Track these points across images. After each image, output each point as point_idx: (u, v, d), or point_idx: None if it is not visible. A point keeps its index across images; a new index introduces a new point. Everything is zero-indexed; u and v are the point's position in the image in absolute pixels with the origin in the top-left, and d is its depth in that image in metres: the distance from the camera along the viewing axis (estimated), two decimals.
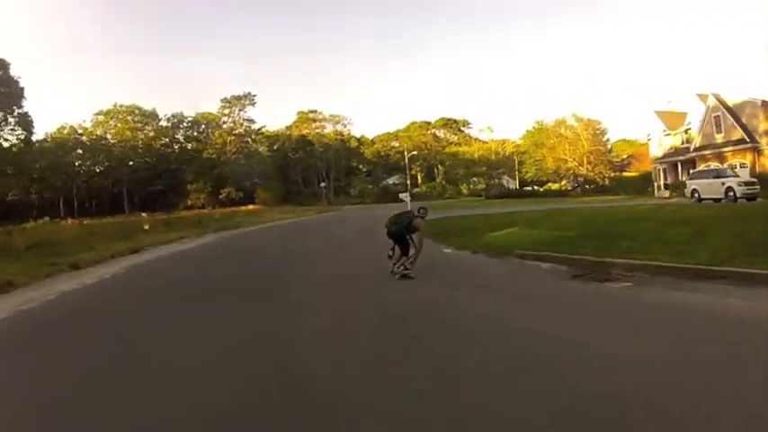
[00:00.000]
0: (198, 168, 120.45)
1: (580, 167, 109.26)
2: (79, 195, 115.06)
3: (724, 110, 60.66)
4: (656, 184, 76.63)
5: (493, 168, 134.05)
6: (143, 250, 26.63)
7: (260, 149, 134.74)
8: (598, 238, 17.17)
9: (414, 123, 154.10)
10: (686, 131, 70.71)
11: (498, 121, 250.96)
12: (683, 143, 71.49)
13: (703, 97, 65.69)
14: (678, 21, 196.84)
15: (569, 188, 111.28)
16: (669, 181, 72.83)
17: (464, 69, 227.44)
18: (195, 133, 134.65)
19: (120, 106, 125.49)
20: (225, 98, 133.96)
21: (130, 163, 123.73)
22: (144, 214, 51.72)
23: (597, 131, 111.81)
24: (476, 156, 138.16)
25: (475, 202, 79.36)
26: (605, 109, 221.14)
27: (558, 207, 46.40)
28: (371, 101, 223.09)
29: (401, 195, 55.21)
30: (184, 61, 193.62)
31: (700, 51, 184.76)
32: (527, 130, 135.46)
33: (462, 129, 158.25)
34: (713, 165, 58.33)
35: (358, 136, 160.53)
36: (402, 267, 13.68)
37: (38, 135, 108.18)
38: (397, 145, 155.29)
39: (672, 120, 75.10)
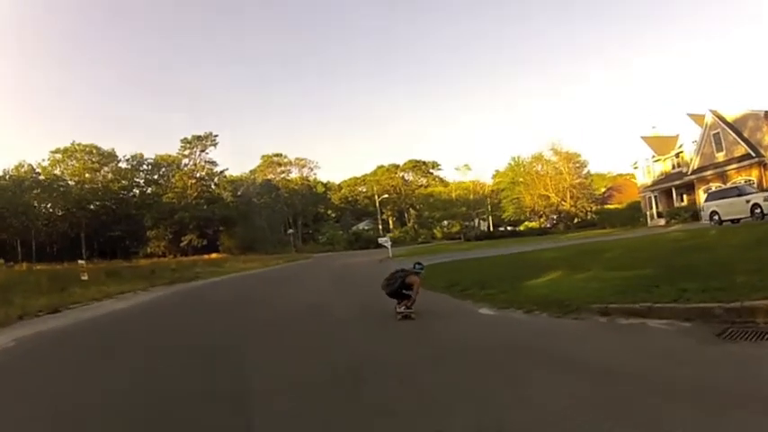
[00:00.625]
0: (157, 214, 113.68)
1: (563, 202, 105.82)
2: (38, 238, 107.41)
3: (724, 126, 57.48)
4: (647, 212, 73.63)
5: (472, 208, 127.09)
6: (67, 308, 21.26)
7: (223, 194, 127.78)
8: (684, 276, 12.30)
9: (381, 167, 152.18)
10: (678, 155, 68.85)
11: (472, 162, 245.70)
12: (674, 167, 69.39)
13: (696, 117, 63.47)
14: (648, 48, 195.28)
15: (548, 225, 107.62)
16: (661, 209, 70.19)
17: (432, 113, 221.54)
18: (155, 176, 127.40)
19: (78, 145, 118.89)
20: (185, 138, 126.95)
21: (91, 206, 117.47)
22: (82, 262, 43.25)
23: (577, 164, 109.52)
24: (453, 196, 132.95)
25: (456, 246, 72.79)
26: (582, 142, 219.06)
27: (566, 244, 42.57)
28: (338, 147, 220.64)
29: (381, 240, 55.91)
30: (145, 101, 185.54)
31: (674, 75, 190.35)
32: (498, 170, 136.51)
33: (432, 171, 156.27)
34: (714, 186, 55.29)
35: (324, 181, 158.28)
36: (403, 308, 13.11)
37: None
38: (364, 190, 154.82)
39: (660, 144, 73.22)
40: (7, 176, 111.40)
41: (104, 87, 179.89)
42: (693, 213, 57.74)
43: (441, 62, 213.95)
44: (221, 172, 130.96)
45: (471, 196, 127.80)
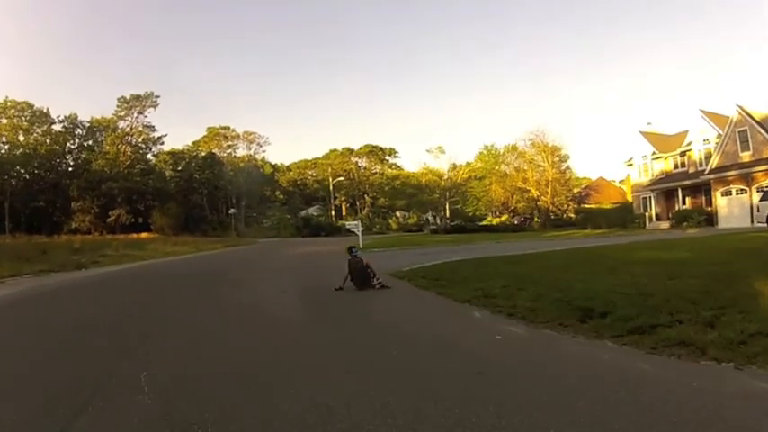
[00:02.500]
0: (85, 183, 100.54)
1: (543, 198, 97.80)
2: None
3: (753, 123, 52.90)
4: (646, 214, 68.47)
5: (445, 197, 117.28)
6: None
7: (162, 166, 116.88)
8: None
9: (334, 151, 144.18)
10: (684, 153, 65.69)
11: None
12: (678, 167, 66.70)
13: (711, 115, 60.49)
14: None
15: (517, 222, 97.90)
16: (659, 210, 67.76)
17: (395, 99, 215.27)
18: (90, 142, 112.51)
19: (11, 101, 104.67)
20: (122, 97, 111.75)
21: (20, 172, 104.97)
22: None
23: (558, 158, 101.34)
24: (423, 181, 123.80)
25: (430, 239, 64.04)
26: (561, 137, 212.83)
27: (576, 245, 35.27)
28: (288, 128, 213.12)
29: (349, 225, 50.40)
30: (87, 59, 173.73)
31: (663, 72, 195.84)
32: (466, 162, 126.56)
33: (388, 158, 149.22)
34: (735, 188, 55.00)
35: (273, 162, 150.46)
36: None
37: None
38: (314, 174, 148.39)
39: (662, 142, 69.71)
40: None
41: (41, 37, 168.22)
42: (708, 217, 55.89)
43: (410, 46, 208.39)
44: (159, 138, 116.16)
45: (442, 183, 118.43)
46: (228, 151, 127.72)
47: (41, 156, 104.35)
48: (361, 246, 39.83)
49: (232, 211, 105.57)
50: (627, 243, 31.83)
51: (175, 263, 36.90)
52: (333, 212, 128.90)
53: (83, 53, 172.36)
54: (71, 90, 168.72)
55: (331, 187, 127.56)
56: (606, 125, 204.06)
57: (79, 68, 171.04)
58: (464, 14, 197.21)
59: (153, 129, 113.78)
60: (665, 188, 66.13)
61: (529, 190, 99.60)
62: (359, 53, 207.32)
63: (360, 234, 45.03)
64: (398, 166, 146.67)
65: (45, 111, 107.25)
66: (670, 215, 63.95)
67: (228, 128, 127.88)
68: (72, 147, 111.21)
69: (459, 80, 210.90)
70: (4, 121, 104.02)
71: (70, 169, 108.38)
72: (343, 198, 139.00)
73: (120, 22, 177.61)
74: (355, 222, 49.46)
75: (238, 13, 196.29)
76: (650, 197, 68.60)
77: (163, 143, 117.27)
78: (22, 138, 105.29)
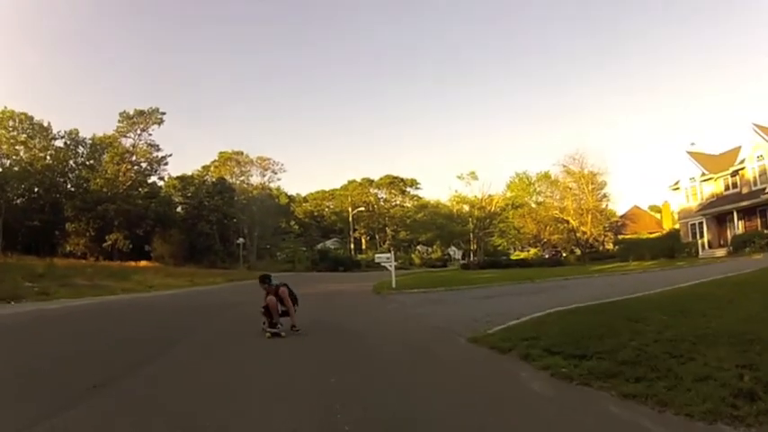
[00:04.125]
0: (80, 203, 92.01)
1: (582, 228, 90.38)
2: None
3: None
4: (699, 241, 63.40)
5: (479, 227, 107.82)
6: None
7: (166, 191, 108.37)
8: None
9: (353, 182, 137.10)
10: (736, 173, 60.32)
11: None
12: (729, 188, 61.71)
13: (766, 129, 55.79)
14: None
15: (546, 256, 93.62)
16: (710, 236, 62.54)
17: (417, 128, 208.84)
18: (92, 161, 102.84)
19: (10, 112, 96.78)
20: (125, 112, 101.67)
21: (21, 187, 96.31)
22: None
23: (595, 186, 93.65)
24: (454, 210, 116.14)
25: (460, 275, 57.49)
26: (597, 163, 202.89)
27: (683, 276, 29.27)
28: (304, 157, 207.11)
29: (379, 258, 42.72)
30: (92, 74, 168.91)
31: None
32: (502, 188, 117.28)
33: (409, 189, 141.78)
34: None
35: (288, 192, 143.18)
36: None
37: None
38: (332, 205, 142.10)
39: (711, 162, 64.94)
40: None
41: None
42: None
43: (429, 71, 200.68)
44: (164, 158, 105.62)
45: (476, 212, 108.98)
46: (242, 178, 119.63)
47: (39, 172, 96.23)
48: (394, 284, 35.78)
49: (240, 240, 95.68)
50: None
51: (141, 303, 29.86)
52: (352, 245, 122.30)
53: (88, 67, 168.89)
54: (74, 104, 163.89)
55: (350, 218, 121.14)
56: (639, 152, 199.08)
57: (84, 83, 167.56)
58: (487, 38, 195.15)
59: (157, 148, 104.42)
60: (718, 212, 61.13)
61: (567, 220, 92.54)
62: (377, 80, 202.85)
63: (393, 269, 38.17)
64: (419, 198, 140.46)
65: (46, 125, 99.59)
66: (722, 241, 59.86)
67: (241, 153, 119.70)
68: (73, 165, 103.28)
69: (485, 105, 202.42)
70: (1, 131, 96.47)
71: (71, 188, 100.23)
72: (362, 230, 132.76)
73: (131, 36, 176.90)
74: (387, 255, 41.58)
75: (258, 35, 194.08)
76: (700, 222, 63.68)
77: (167, 163, 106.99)
78: (22, 152, 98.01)
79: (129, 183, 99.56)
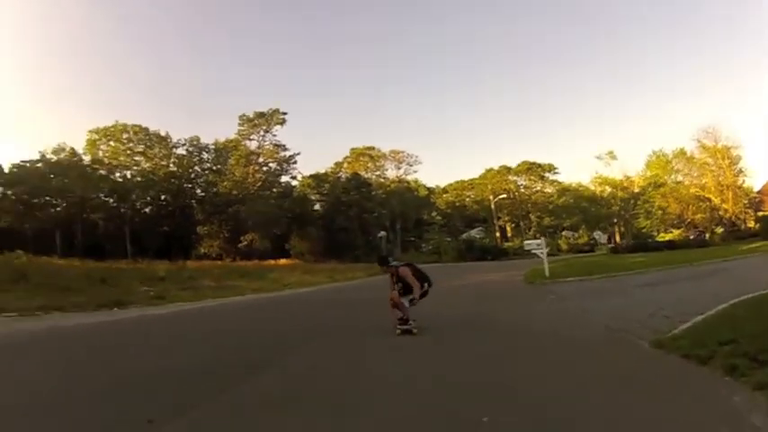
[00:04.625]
0: (210, 207, 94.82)
1: (724, 205, 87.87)
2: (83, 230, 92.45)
3: None
4: None
5: (625, 209, 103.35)
6: None
7: (300, 189, 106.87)
8: None
9: (490, 170, 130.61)
10: None
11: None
12: None
13: None
14: None
15: (691, 237, 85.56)
16: None
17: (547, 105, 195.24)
18: (216, 166, 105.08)
19: (122, 125, 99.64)
20: (244, 116, 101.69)
21: (136, 197, 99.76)
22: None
23: (730, 160, 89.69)
24: (597, 192, 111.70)
25: (613, 260, 53.75)
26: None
27: None
28: (438, 148, 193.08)
29: (529, 245, 40.47)
30: (201, 78, 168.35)
31: None
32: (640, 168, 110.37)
33: (547, 174, 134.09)
34: None
35: (426, 185, 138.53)
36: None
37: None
38: (472, 195, 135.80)
39: None
40: (47, 158, 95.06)
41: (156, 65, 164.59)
42: None
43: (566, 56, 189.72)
44: (291, 157, 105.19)
45: (619, 193, 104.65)
46: (377, 173, 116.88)
47: (164, 180, 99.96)
48: (547, 273, 33.07)
49: (381, 234, 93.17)
50: None
51: (278, 302, 28.48)
52: (498, 234, 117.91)
53: (203, 73, 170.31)
54: (189, 113, 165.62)
55: (493, 206, 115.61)
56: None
57: (197, 88, 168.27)
58: (631, 14, 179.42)
59: (284, 147, 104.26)
60: None
61: (708, 198, 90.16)
62: (508, 67, 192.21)
63: (545, 256, 35.70)
64: (559, 183, 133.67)
65: (164, 134, 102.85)
66: None
67: (373, 148, 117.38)
68: (199, 170, 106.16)
69: (619, 82, 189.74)
70: (112, 144, 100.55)
71: (200, 192, 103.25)
72: (506, 218, 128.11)
73: (250, 37, 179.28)
74: (537, 242, 39.84)
75: (388, 29, 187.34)
76: None
77: (296, 162, 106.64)
78: (143, 163, 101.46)
79: (260, 184, 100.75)
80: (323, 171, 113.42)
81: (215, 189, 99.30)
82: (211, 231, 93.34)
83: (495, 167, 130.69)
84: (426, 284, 13.54)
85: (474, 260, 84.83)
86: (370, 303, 20.04)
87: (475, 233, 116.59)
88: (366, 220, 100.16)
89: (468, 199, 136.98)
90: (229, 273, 46.74)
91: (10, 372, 10.73)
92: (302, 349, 12.16)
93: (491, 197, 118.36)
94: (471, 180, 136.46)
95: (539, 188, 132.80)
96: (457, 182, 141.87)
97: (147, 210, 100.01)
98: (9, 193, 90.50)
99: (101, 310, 21.35)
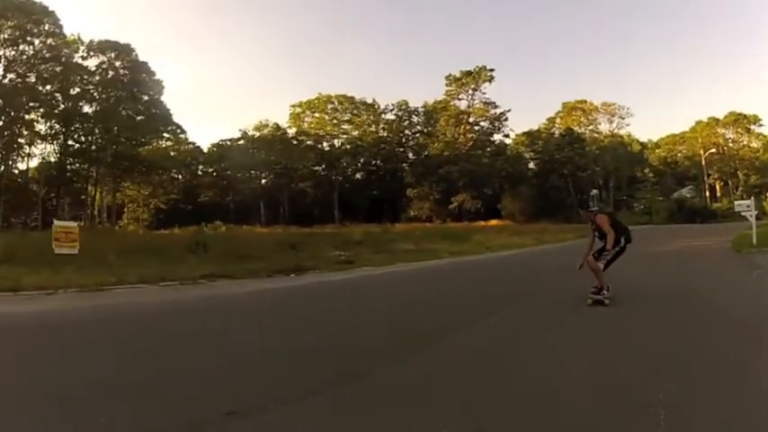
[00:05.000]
0: (420, 169, 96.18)
1: None
2: (289, 199, 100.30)
3: None
4: None
5: None
6: None
7: (513, 147, 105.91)
8: None
9: (700, 122, 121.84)
10: None
11: None
12: None
13: None
14: None
15: None
16: None
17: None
18: (426, 129, 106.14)
19: (326, 96, 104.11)
20: (450, 75, 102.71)
21: (353, 163, 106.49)
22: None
23: None
24: None
25: None
26: None
27: None
28: (650, 97, 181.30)
29: (739, 206, 35.49)
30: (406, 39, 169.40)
31: None
32: None
33: (751, 126, 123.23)
34: None
35: (639, 139, 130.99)
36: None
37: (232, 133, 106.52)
38: (684, 150, 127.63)
39: None
40: (249, 134, 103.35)
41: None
42: None
43: None
44: (502, 114, 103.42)
45: None
46: (590, 127, 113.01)
47: (373, 145, 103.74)
48: (755, 240, 28.77)
49: (594, 192, 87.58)
50: None
51: (471, 267, 25.64)
52: (707, 193, 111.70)
53: (404, 39, 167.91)
54: (392, 79, 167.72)
55: (703, 163, 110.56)
56: None
57: (399, 55, 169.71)
58: None
59: (494, 105, 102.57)
60: None
61: None
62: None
63: (753, 219, 31.88)
64: (765, 136, 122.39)
65: (370, 102, 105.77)
66: None
67: (585, 101, 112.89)
68: (408, 134, 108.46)
69: None
70: (317, 115, 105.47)
71: (412, 156, 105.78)
72: (716, 176, 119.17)
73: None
74: (747, 202, 34.55)
75: None
76: None
77: (506, 119, 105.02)
78: (351, 130, 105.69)
79: (471, 143, 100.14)
80: (535, 128, 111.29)
81: (426, 152, 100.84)
82: (421, 193, 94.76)
83: (704, 120, 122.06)
84: (623, 240, 12.08)
85: (683, 222, 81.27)
86: (571, 270, 16.51)
87: (685, 192, 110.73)
88: (579, 178, 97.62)
89: (679, 155, 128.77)
90: (432, 235, 45.42)
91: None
92: (476, 324, 10.45)
93: (701, 152, 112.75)
94: (682, 134, 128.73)
95: (745, 142, 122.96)
96: (668, 136, 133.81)
97: (356, 175, 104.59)
98: (210, 170, 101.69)
99: (275, 276, 19.84)
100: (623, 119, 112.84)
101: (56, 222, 22.75)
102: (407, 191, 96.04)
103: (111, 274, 17.29)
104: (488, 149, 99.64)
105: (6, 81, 69.50)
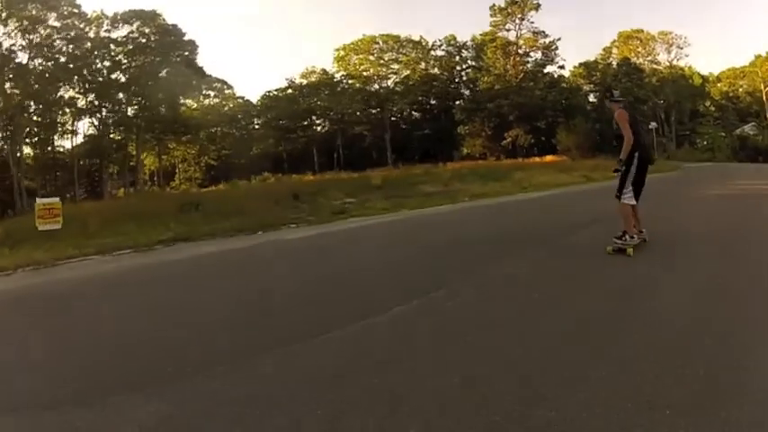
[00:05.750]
0: (469, 104, 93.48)
1: None
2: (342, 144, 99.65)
3: None
4: None
5: None
6: None
7: (570, 80, 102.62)
8: None
9: (759, 57, 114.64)
10: None
11: None
12: None
13: None
14: None
15: None
16: None
17: None
18: (478, 63, 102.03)
19: (370, 37, 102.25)
20: (494, 6, 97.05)
21: (404, 103, 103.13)
22: None
23: None
24: None
25: None
26: None
27: None
28: (707, 28, 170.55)
29: None
30: None
31: None
32: None
33: None
34: None
35: (697, 69, 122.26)
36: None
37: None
38: (744, 85, 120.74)
39: None
40: (295, 82, 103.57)
41: None
42: None
43: None
44: (551, 43, 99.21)
45: None
46: (648, 58, 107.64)
47: (424, 83, 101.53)
48: None
49: (652, 125, 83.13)
50: None
51: (480, 215, 22.23)
52: None
53: None
54: (436, 14, 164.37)
55: (764, 98, 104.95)
56: None
57: None
58: None
59: (543, 35, 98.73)
60: None
61: None
62: None
63: None
64: None
65: (417, 39, 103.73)
66: None
67: (641, 30, 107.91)
68: (458, 69, 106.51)
69: None
70: (362, 57, 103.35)
71: (466, 92, 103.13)
72: None
73: None
74: None
75: None
76: None
77: (557, 48, 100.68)
78: (404, 69, 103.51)
79: (521, 76, 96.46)
80: (592, 59, 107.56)
81: (477, 87, 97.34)
82: (473, 130, 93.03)
83: (764, 54, 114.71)
84: (638, 155, 9.91)
85: (747, 160, 76.59)
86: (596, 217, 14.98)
87: (748, 129, 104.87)
88: (639, 110, 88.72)
89: (740, 89, 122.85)
90: (468, 174, 42.52)
91: None
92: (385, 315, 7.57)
93: (762, 87, 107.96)
94: (742, 68, 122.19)
95: None
96: (729, 69, 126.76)
97: (409, 116, 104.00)
98: (260, 122, 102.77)
99: (245, 233, 18.12)
100: (681, 48, 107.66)
101: (38, 200, 22.95)
102: (459, 128, 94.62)
103: (79, 246, 16.51)
104: (541, 82, 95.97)
105: (37, 66, 71.88)
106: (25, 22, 69.39)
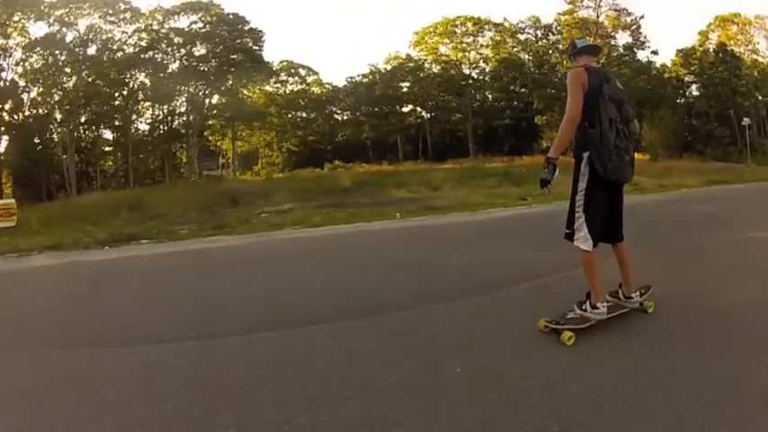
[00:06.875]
0: (548, 92, 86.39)
1: None
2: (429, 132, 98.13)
3: None
4: None
5: None
6: None
7: (662, 67, 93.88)
8: None
9: None
10: None
11: None
12: None
13: None
14: None
15: None
16: None
17: None
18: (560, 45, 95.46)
19: (447, 20, 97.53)
20: None
21: (488, 89, 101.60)
22: None
23: None
24: None
25: None
26: None
27: None
28: None
29: None
30: None
31: None
32: None
33: None
34: None
35: None
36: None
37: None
38: None
39: None
40: (379, 69, 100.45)
41: None
42: None
43: None
44: (634, 21, 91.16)
45: None
46: (748, 47, 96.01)
47: (510, 69, 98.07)
48: None
49: (746, 121, 73.79)
50: None
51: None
52: None
53: None
54: None
55: None
56: None
57: None
58: None
59: (626, 12, 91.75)
60: None
61: None
62: None
63: None
64: None
65: (501, 20, 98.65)
66: None
67: (738, 14, 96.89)
68: (547, 54, 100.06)
69: None
70: (450, 41, 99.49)
71: (555, 79, 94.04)
72: None
73: None
74: None
75: None
76: None
77: (639, 27, 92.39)
78: (489, 52, 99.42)
79: (603, 60, 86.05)
80: (689, 45, 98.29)
81: (549, 73, 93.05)
82: (551, 120, 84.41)
83: None
84: (597, 150, 5.54)
85: None
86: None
87: None
88: (737, 104, 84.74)
89: None
90: (489, 175, 39.10)
91: None
92: None
93: None
94: None
95: None
96: None
97: (494, 104, 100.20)
98: (343, 107, 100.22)
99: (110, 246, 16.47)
100: None
101: None
102: (536, 118, 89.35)
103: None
104: (629, 67, 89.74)
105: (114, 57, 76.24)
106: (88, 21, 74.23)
